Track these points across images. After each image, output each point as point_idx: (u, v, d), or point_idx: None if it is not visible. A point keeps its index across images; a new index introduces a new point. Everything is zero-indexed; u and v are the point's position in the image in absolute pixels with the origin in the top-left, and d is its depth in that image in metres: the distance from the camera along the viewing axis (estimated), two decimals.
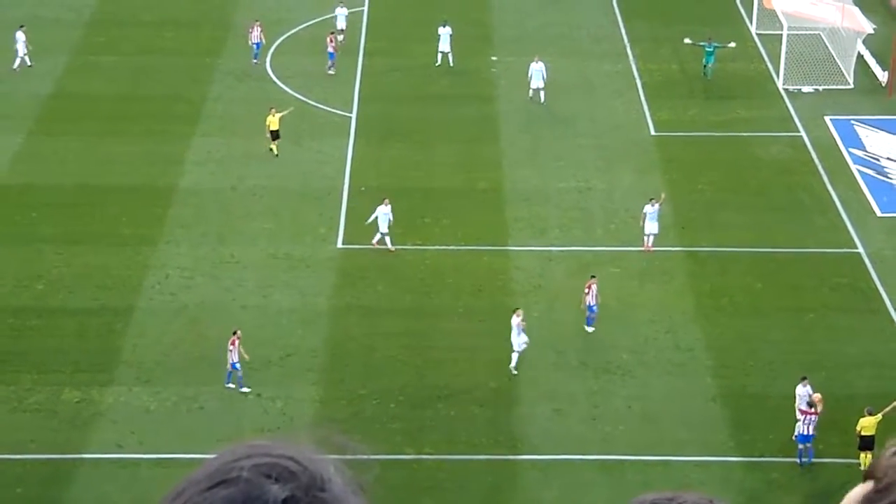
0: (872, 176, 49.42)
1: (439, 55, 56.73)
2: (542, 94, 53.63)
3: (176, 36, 59.36)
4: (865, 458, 35.29)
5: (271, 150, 49.55)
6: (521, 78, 54.33)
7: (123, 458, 35.78)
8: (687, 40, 56.73)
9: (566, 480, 35.48)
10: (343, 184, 48.30)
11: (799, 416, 36.18)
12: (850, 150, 50.98)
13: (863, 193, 48.14)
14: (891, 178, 49.43)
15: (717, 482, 35.32)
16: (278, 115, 49.45)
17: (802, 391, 36.61)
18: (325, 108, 53.45)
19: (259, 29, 56.74)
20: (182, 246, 44.57)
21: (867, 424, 35.25)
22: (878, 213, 47.03)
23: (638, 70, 56.98)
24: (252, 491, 2.63)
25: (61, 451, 35.91)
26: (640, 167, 49.58)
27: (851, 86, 55.38)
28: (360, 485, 2.74)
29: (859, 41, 56.24)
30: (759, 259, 44.37)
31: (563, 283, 42.88)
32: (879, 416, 35.18)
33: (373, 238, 44.11)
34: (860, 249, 44.84)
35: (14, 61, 55.59)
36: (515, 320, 38.93)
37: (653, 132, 52.15)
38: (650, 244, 44.12)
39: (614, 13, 62.21)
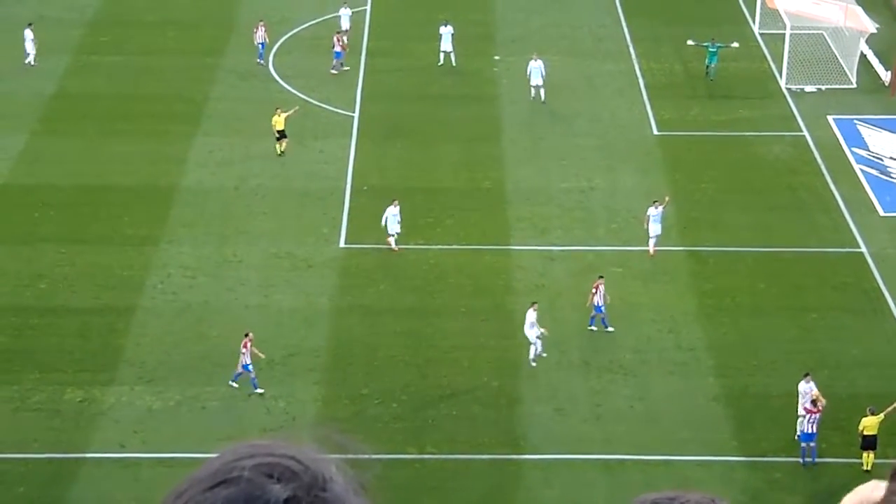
0: (875, 175, 49.41)
1: (441, 55, 56.75)
2: (541, 91, 53.67)
3: (178, 36, 59.39)
4: (868, 458, 35.30)
5: (282, 152, 49.39)
6: (524, 77, 54.33)
7: (126, 457, 35.81)
8: (690, 42, 56.70)
9: (568, 480, 35.49)
10: (346, 183, 48.32)
11: (801, 412, 36.20)
12: (853, 149, 50.98)
13: (865, 193, 48.13)
14: (894, 178, 49.42)
15: (719, 482, 35.32)
16: (284, 115, 49.46)
17: (805, 387, 36.62)
18: (327, 107, 53.48)
19: (263, 29, 56.80)
20: (184, 245, 44.60)
21: (869, 424, 35.24)
22: (881, 213, 47.03)
23: (640, 69, 56.99)
24: (254, 490, 2.61)
25: (64, 451, 35.94)
26: (642, 167, 49.59)
27: (854, 85, 55.37)
28: (362, 484, 2.72)
29: (862, 41, 56.23)
30: (761, 259, 44.36)
31: (565, 282, 42.89)
32: (882, 415, 35.18)
33: (388, 239, 44.07)
34: (863, 249, 44.83)
35: (25, 58, 55.71)
36: (532, 315, 38.92)
37: (655, 132, 52.16)
38: (651, 247, 43.94)
39: (617, 12, 62.21)
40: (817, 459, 35.90)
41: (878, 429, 35.16)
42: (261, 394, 37.93)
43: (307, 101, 53.40)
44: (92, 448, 36.05)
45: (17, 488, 34.80)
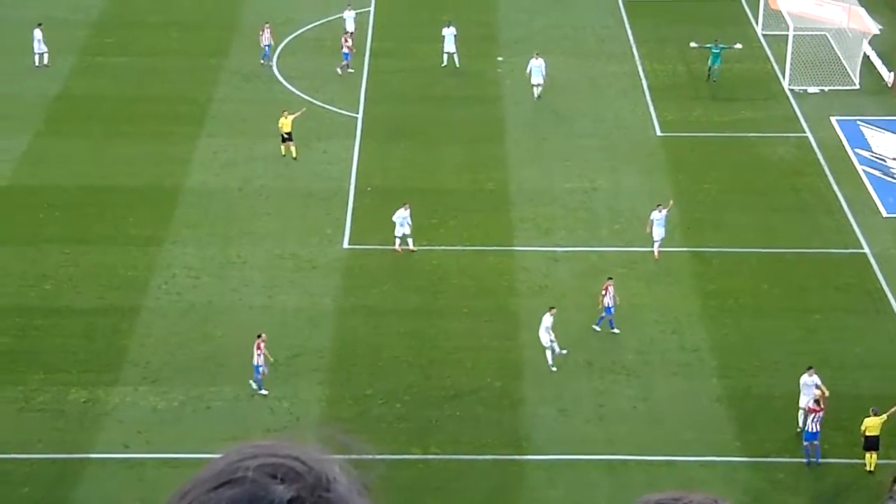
0: (878, 176, 49.41)
1: (445, 56, 56.78)
2: (537, 89, 53.71)
3: (182, 37, 59.45)
4: (871, 459, 35.31)
5: (291, 153, 49.32)
6: (527, 78, 54.35)
7: (130, 457, 35.85)
8: (693, 44, 56.67)
9: (571, 480, 35.51)
10: (349, 184, 48.36)
11: (802, 405, 36.29)
12: (856, 150, 50.98)
13: (868, 194, 48.13)
14: None
15: (722, 482, 35.33)
16: (291, 117, 49.47)
17: (809, 381, 36.72)
18: (331, 108, 53.52)
19: (269, 31, 56.88)
20: (188, 246, 44.65)
21: (872, 425, 35.25)
22: (884, 214, 47.02)
23: (644, 70, 57.00)
24: (257, 491, 2.62)
25: (68, 451, 35.99)
26: (645, 168, 49.60)
27: (857, 86, 55.38)
28: (366, 485, 2.73)
29: (865, 42, 56.23)
30: (764, 259, 44.37)
31: (569, 283, 42.91)
32: (884, 416, 35.19)
33: (406, 243, 43.99)
34: (866, 250, 44.84)
35: (34, 58, 55.80)
36: (548, 319, 38.90)
37: (658, 133, 52.17)
38: (655, 251, 43.88)
39: (620, 13, 62.22)
40: (820, 460, 35.88)
41: (881, 430, 35.17)
42: (264, 395, 37.95)
43: (311, 102, 53.43)
44: (96, 448, 36.10)
45: (21, 488, 34.84)
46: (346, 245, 44.95)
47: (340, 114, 53.20)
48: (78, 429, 36.73)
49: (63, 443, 36.23)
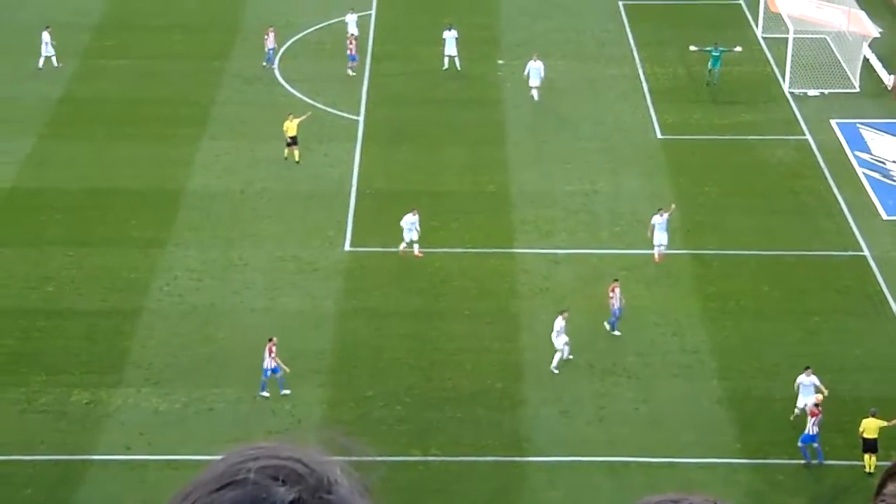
0: (878, 179, 49.44)
1: (446, 59, 56.80)
2: (535, 92, 53.76)
3: (184, 40, 59.48)
4: (870, 461, 35.34)
5: (287, 157, 49.34)
6: (527, 81, 54.41)
7: (132, 459, 35.90)
8: (693, 47, 56.66)
9: (572, 482, 35.55)
10: (351, 187, 48.39)
11: (800, 403, 36.38)
12: (856, 153, 51.01)
13: (868, 196, 48.15)
14: None
15: (722, 484, 35.36)
16: (296, 121, 49.46)
17: (807, 381, 36.82)
18: (333, 111, 53.55)
19: (273, 34, 56.94)
20: (190, 248, 44.68)
21: (869, 427, 35.28)
22: (884, 216, 47.05)
23: (644, 73, 57.01)
24: (259, 493, 2.63)
25: (70, 453, 36.03)
26: (646, 170, 49.62)
27: (857, 89, 55.40)
28: (367, 487, 2.74)
29: (865, 45, 56.26)
30: (764, 262, 44.40)
31: (570, 285, 42.94)
32: (885, 424, 35.11)
33: (412, 248, 43.95)
34: (866, 252, 44.87)
35: (39, 61, 55.87)
36: (560, 322, 38.96)
37: (659, 135, 52.19)
38: (656, 255, 43.85)
39: (620, 17, 62.23)
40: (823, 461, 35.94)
41: (880, 433, 35.21)
42: (266, 397, 38.02)
43: (313, 105, 53.45)
44: (98, 450, 36.14)
45: (24, 490, 34.90)
46: (347, 247, 44.99)
47: (342, 116, 53.23)
48: (80, 430, 36.78)
49: (65, 444, 36.27)
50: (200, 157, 50.12)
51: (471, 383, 38.75)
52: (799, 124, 53.04)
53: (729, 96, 55.18)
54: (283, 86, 55.60)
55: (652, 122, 53.06)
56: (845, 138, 51.99)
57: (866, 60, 56.48)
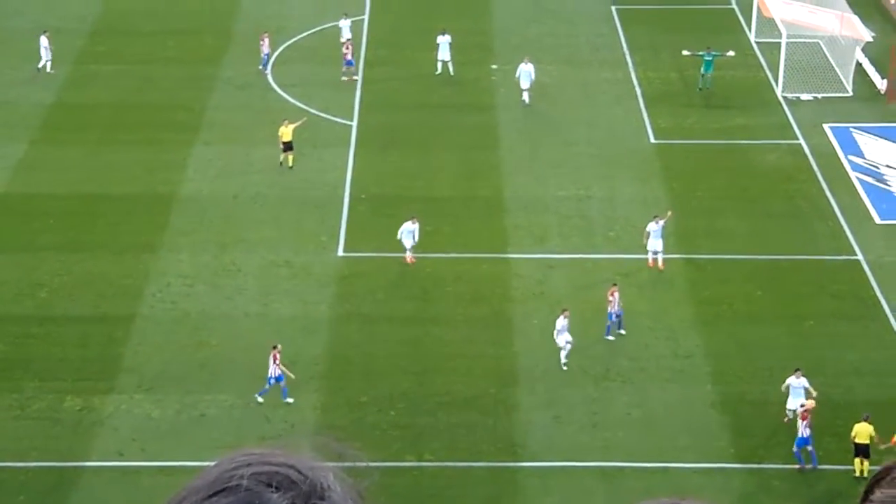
0: (871, 183, 49.47)
1: (439, 64, 56.80)
2: (526, 94, 53.86)
3: (177, 45, 59.45)
4: (863, 465, 35.30)
5: (282, 163, 49.33)
6: (516, 83, 54.50)
7: (125, 465, 35.84)
8: (685, 52, 56.70)
9: (566, 487, 35.53)
10: (344, 192, 48.36)
11: (790, 405, 36.44)
12: (849, 157, 51.04)
13: (862, 201, 48.18)
14: (890, 186, 49.49)
15: (716, 489, 35.36)
16: (291, 126, 49.43)
17: (797, 383, 36.88)
18: (326, 116, 53.53)
19: (268, 39, 56.95)
20: (183, 254, 44.64)
21: (861, 432, 35.29)
22: (878, 220, 47.08)
23: (637, 78, 57.04)
24: (252, 499, 2.62)
25: (63, 459, 35.96)
26: (639, 175, 49.63)
27: (850, 94, 55.44)
28: (360, 492, 2.73)
29: (858, 49, 56.31)
30: (758, 266, 44.41)
31: (564, 290, 42.93)
32: (876, 437, 35.10)
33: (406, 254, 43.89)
34: (859, 256, 44.89)
35: (39, 62, 55.88)
36: (562, 321, 38.98)
37: (652, 140, 52.21)
38: (659, 262, 43.72)
39: (614, 21, 62.27)
40: (817, 465, 35.91)
41: (870, 438, 35.22)
42: (260, 403, 37.96)
43: (306, 110, 53.43)
44: (91, 456, 36.07)
45: (16, 497, 34.81)
46: (340, 253, 44.95)
47: (335, 122, 53.21)
48: (73, 437, 36.71)
49: (58, 451, 36.20)
50: (193, 162, 50.09)
51: (464, 388, 38.72)
52: (792, 128, 53.08)
53: (722, 101, 55.22)
54: (275, 91, 55.57)
55: (645, 127, 53.09)
56: (838, 142, 52.03)
57: (859, 65, 56.54)
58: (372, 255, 44.61)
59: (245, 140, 51.47)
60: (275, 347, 38.05)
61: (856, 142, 52.21)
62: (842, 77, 56.08)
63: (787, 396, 37.24)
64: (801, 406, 36.34)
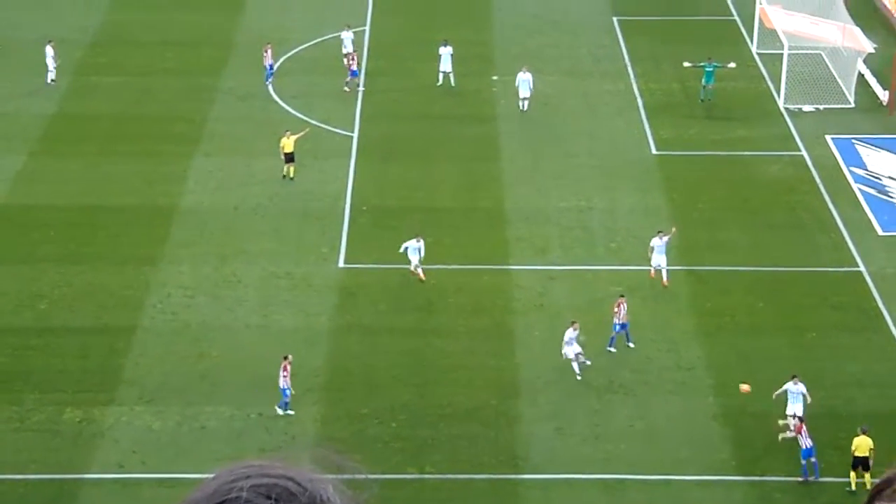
0: (873, 195, 49.46)
1: (440, 75, 56.88)
2: (525, 102, 54.04)
3: (177, 56, 59.53)
4: (863, 477, 35.23)
5: (285, 175, 49.37)
6: (515, 91, 54.61)
7: (125, 477, 35.79)
8: (687, 63, 56.74)
9: (568, 500, 35.46)
10: (345, 203, 48.38)
11: (789, 411, 36.45)
12: (851, 168, 51.05)
13: (864, 212, 48.19)
14: (892, 197, 49.47)
15: (718, 501, 35.34)
16: (293, 138, 49.45)
17: (795, 389, 36.94)
18: (327, 127, 53.56)
19: (271, 51, 57.05)
20: (183, 265, 44.63)
21: (861, 445, 35.23)
22: (880, 232, 47.07)
23: (639, 89, 57.10)
24: None
25: (63, 471, 35.91)
26: (641, 186, 49.65)
27: (852, 105, 55.48)
28: None
29: (860, 60, 56.36)
30: (760, 278, 44.39)
31: (565, 302, 42.90)
32: (872, 446, 35.13)
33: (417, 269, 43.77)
34: (861, 268, 44.87)
35: (46, 76, 56.00)
36: (570, 333, 38.96)
37: (654, 151, 52.24)
38: (664, 278, 43.66)
39: (615, 32, 62.35)
40: (819, 478, 35.85)
41: (870, 451, 35.18)
42: (289, 414, 37.75)
43: (307, 121, 53.48)
44: (91, 469, 36.02)
45: None
46: (341, 264, 44.94)
47: (336, 133, 53.24)
48: (73, 449, 36.66)
49: (58, 463, 36.15)
50: (194, 173, 50.12)
51: (466, 400, 38.68)
52: (794, 140, 53.11)
53: (724, 112, 55.27)
54: (276, 102, 55.62)
55: (647, 138, 53.12)
56: (840, 154, 52.04)
57: (861, 76, 56.58)
58: (373, 267, 44.60)
59: (246, 151, 51.51)
60: (285, 358, 37.97)
61: (858, 153, 52.21)
62: (844, 88, 56.12)
63: (784, 403, 37.22)
64: (794, 417, 36.37)
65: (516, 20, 63.52)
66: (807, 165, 51.28)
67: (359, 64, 57.49)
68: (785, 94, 55.76)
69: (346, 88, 56.33)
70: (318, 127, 53.28)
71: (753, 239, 46.44)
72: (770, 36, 59.07)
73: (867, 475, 35.16)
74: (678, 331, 41.79)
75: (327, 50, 59.60)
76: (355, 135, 53.15)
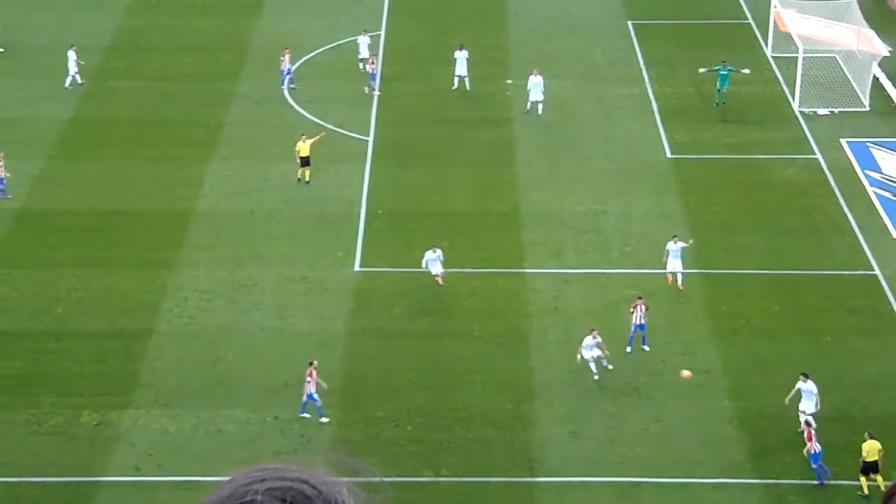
0: (889, 198, 49.32)
1: (456, 79, 56.86)
2: (540, 106, 54.03)
3: (194, 61, 59.60)
4: (876, 480, 35.15)
5: (300, 178, 49.42)
6: (526, 95, 54.56)
7: (142, 480, 35.84)
8: (701, 70, 56.46)
9: (583, 503, 35.42)
10: (360, 207, 48.39)
11: (803, 407, 36.38)
12: (866, 172, 50.92)
13: (879, 215, 48.05)
14: None
15: None
16: (309, 142, 49.47)
17: (805, 387, 36.88)
18: (342, 131, 53.58)
19: (289, 56, 57.05)
20: (200, 269, 44.69)
21: (870, 449, 35.12)
22: (895, 235, 46.93)
23: (654, 93, 57.01)
24: None
25: (80, 474, 35.98)
26: (656, 190, 49.58)
27: (867, 108, 55.33)
28: None
29: (875, 64, 56.20)
30: (775, 281, 44.30)
31: (580, 305, 42.87)
32: (880, 447, 35.03)
33: (436, 274, 43.66)
34: (877, 271, 44.76)
35: (66, 80, 56.14)
36: (590, 340, 38.92)
37: (669, 155, 52.15)
38: (679, 282, 43.61)
39: (630, 36, 62.26)
40: (832, 482, 35.72)
41: (879, 455, 35.11)
42: (326, 422, 37.73)
43: (322, 125, 53.50)
44: (108, 472, 36.09)
45: None
46: (357, 268, 44.96)
47: (351, 137, 53.26)
48: (90, 452, 36.74)
49: (75, 466, 36.22)
50: (210, 177, 50.17)
51: (481, 403, 38.67)
52: (809, 143, 52.98)
53: (739, 115, 55.15)
54: (292, 106, 55.66)
55: (662, 142, 53.04)
56: (856, 157, 51.91)
57: (876, 79, 56.43)
58: (388, 271, 44.60)
59: (262, 156, 51.55)
60: (311, 364, 37.96)
61: (873, 157, 52.08)
62: (859, 92, 55.98)
63: (798, 399, 37.16)
64: (806, 423, 36.33)
65: (531, 24, 63.46)
66: (822, 169, 51.16)
67: (363, 69, 57.38)
68: (800, 97, 55.63)
69: (366, 89, 56.29)
70: (334, 131, 53.32)
71: (768, 242, 46.35)
72: (785, 39, 58.93)
73: (879, 477, 35.10)
74: (693, 334, 41.73)
75: (343, 54, 59.62)
76: (371, 139, 53.16)
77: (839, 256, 45.67)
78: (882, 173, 50.97)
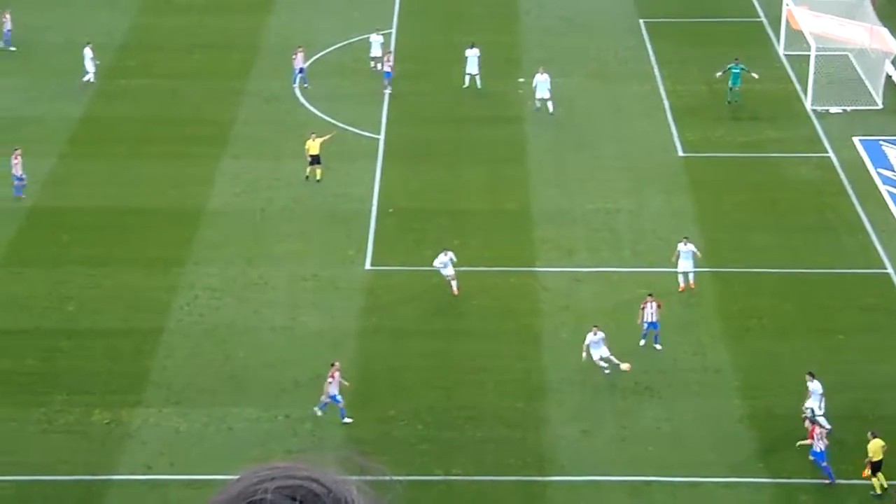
0: None
1: (467, 77, 56.87)
2: (549, 104, 54.06)
3: (205, 59, 59.69)
4: (878, 477, 35.12)
5: (308, 176, 49.44)
6: (532, 92, 54.58)
7: (153, 479, 35.89)
8: (718, 74, 56.15)
9: (594, 502, 35.42)
10: (371, 206, 48.42)
11: (808, 404, 36.36)
12: (879, 170, 50.83)
13: (892, 213, 47.96)
14: None
15: (745, 503, 35.21)
16: (319, 140, 49.49)
17: (811, 386, 36.84)
18: (353, 130, 53.62)
19: (302, 54, 57.10)
20: (211, 267, 44.75)
21: (876, 449, 35.07)
22: None
23: (665, 91, 56.98)
24: None
25: (91, 473, 36.04)
26: (667, 188, 49.55)
27: (880, 106, 55.25)
28: None
29: (887, 62, 56.09)
30: (787, 280, 44.24)
31: (591, 304, 42.85)
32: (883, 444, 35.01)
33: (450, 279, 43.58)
34: (889, 270, 44.68)
35: (84, 76, 56.26)
36: (592, 337, 38.92)
37: (680, 153, 52.12)
38: (690, 281, 43.51)
39: (641, 35, 62.24)
40: (844, 481, 35.68)
41: (882, 454, 35.07)
42: (349, 423, 37.66)
43: (333, 123, 53.54)
44: (119, 470, 36.14)
45: None
46: (368, 266, 44.98)
47: (362, 135, 53.29)
48: (101, 450, 36.79)
49: (86, 464, 36.28)
50: (221, 176, 50.24)
51: (492, 402, 38.67)
52: (821, 141, 52.92)
53: (751, 114, 55.11)
54: (303, 105, 55.71)
55: (673, 140, 53.01)
56: (868, 155, 51.83)
57: (889, 77, 56.32)
58: (399, 269, 44.62)
59: (272, 154, 51.61)
60: (333, 365, 37.89)
61: (885, 155, 51.98)
62: (871, 90, 55.89)
63: (808, 396, 37.18)
64: (810, 421, 36.29)
65: (543, 22, 63.47)
66: (834, 167, 51.09)
67: (384, 66, 57.44)
68: (812, 95, 55.56)
69: (386, 89, 56.32)
70: (345, 129, 53.35)
71: (780, 241, 46.29)
72: (797, 37, 58.85)
73: (879, 474, 35.05)
74: (705, 333, 41.69)
75: (354, 53, 59.67)
76: (382, 137, 53.20)
77: (852, 255, 45.60)
78: (895, 171, 50.86)
